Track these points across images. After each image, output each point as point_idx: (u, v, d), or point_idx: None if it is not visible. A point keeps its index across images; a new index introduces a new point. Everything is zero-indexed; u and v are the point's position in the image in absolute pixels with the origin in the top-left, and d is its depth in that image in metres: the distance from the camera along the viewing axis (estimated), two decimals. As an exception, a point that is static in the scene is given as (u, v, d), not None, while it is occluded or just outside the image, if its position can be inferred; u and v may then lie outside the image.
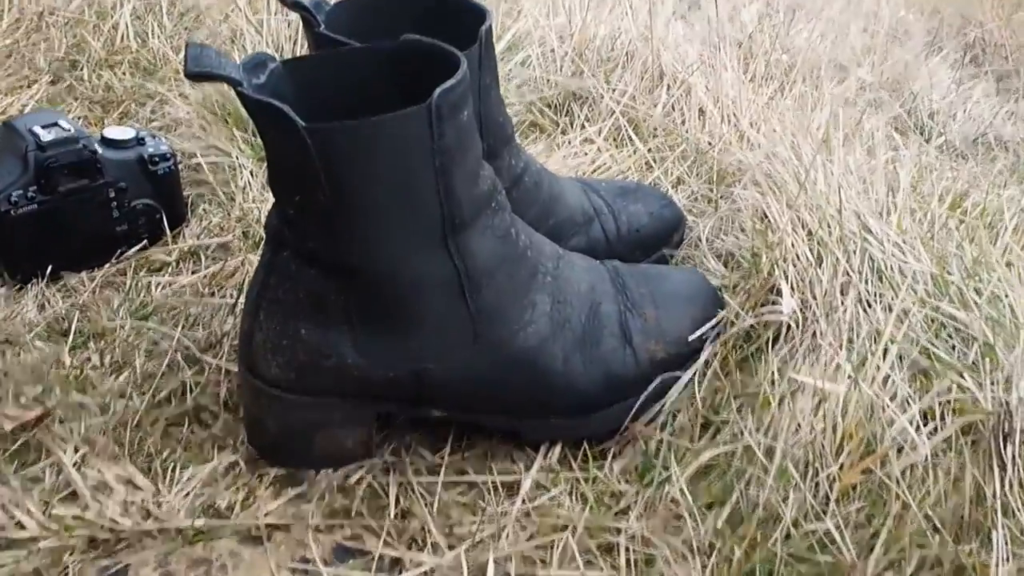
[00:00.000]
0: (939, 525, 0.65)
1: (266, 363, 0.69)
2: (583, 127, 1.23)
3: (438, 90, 0.61)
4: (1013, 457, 0.67)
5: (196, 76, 0.59)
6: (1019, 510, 0.65)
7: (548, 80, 1.33)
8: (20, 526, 0.65)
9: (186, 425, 0.76)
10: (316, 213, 0.64)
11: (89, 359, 0.83)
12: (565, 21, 1.47)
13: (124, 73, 1.36)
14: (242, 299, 0.89)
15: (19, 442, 0.73)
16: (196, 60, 0.60)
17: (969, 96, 1.96)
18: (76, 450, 0.72)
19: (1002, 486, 0.67)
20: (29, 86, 1.35)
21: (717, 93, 1.29)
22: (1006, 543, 0.63)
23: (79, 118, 1.27)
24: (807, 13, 2.36)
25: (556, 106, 1.29)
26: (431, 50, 0.66)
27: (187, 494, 0.69)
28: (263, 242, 0.72)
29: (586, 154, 1.17)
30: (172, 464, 0.72)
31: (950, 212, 1.09)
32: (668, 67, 1.32)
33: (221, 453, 0.73)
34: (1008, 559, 0.62)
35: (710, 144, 1.19)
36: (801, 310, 0.82)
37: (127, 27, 1.45)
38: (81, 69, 1.38)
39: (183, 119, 1.17)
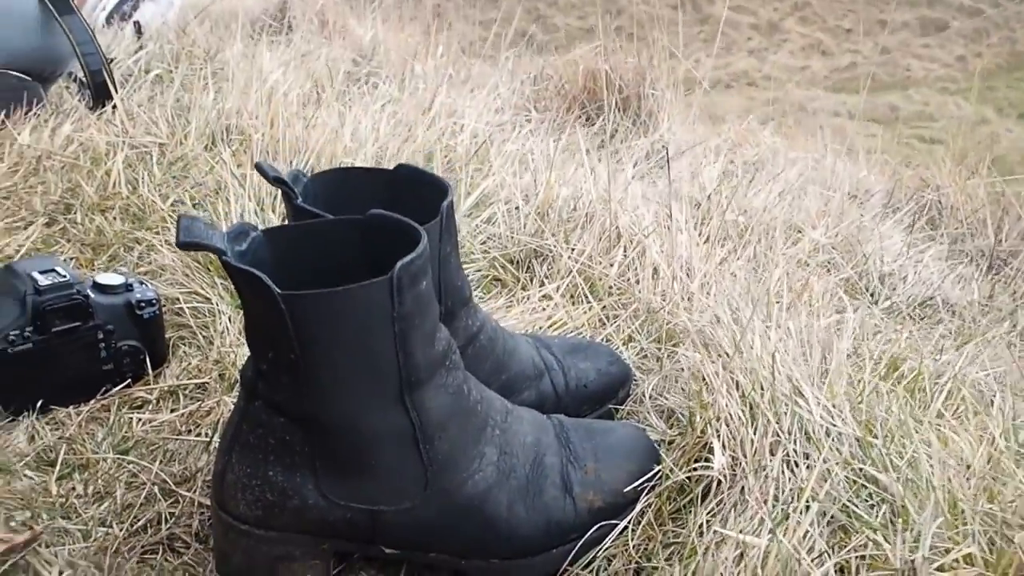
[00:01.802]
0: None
1: (235, 501, 0.76)
2: (542, 284, 1.32)
3: (399, 264, 0.69)
4: (913, 610, 0.74)
5: (186, 246, 0.68)
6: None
7: (512, 237, 1.42)
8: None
9: (160, 553, 0.82)
10: (286, 368, 0.71)
11: (74, 488, 0.89)
12: (531, 181, 1.58)
13: (115, 218, 1.45)
14: (216, 438, 0.96)
15: (8, 563, 0.79)
16: (187, 231, 0.68)
17: (920, 259, 2.06)
18: (60, 573, 0.78)
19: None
20: (25, 227, 1.43)
21: (671, 254, 1.39)
22: None
23: (71, 259, 1.35)
24: (768, 173, 2.48)
25: (518, 262, 1.38)
26: (396, 225, 0.75)
27: (157, 620, 0.75)
28: (238, 388, 0.79)
29: (544, 310, 1.26)
30: (145, 592, 0.78)
31: (885, 376, 1.17)
32: (625, 229, 1.42)
33: (191, 582, 0.79)
34: None
35: (662, 302, 1.27)
36: (731, 467, 0.89)
37: (119, 174, 1.55)
38: (75, 212, 1.47)
39: (168, 265, 1.26)
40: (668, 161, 1.51)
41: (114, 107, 1.81)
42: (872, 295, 1.75)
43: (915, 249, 2.11)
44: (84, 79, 1.84)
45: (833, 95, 8.20)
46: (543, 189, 1.51)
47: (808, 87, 8.46)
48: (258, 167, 0.83)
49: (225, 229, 0.72)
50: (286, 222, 0.89)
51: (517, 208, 1.49)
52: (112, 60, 1.95)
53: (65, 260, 1.34)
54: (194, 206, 1.41)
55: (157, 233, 1.36)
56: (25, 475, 0.91)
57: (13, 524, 0.84)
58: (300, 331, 0.69)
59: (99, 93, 1.81)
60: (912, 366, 1.24)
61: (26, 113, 1.78)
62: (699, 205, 1.81)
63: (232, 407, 0.97)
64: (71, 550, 0.82)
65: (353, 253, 0.76)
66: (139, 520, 0.86)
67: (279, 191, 0.88)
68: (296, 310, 0.68)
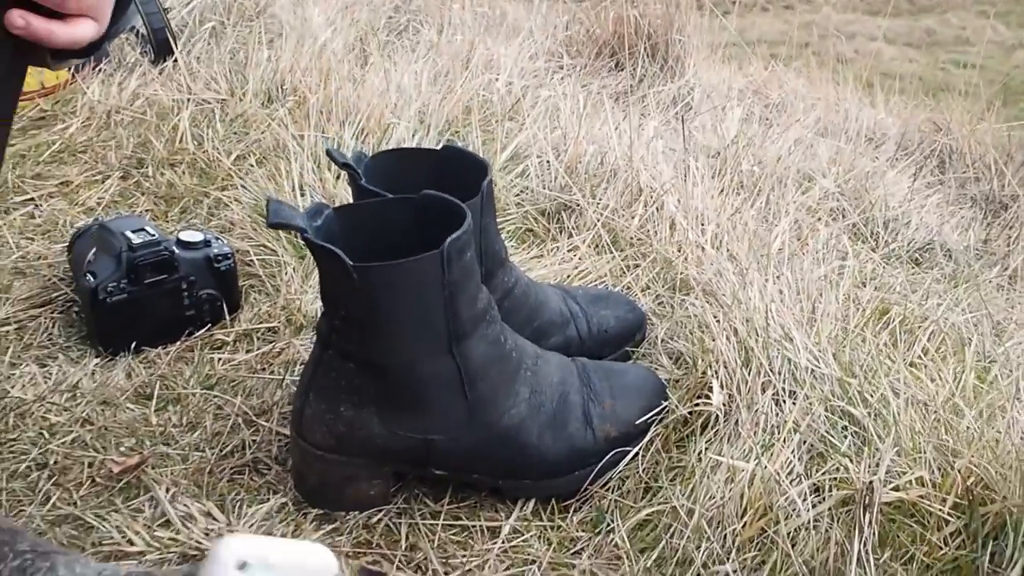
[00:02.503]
0: (809, 570, 0.87)
1: (312, 432, 0.92)
2: (570, 235, 1.46)
3: (448, 240, 0.84)
4: (870, 522, 0.90)
5: (275, 226, 0.83)
6: (867, 561, 0.87)
7: (543, 191, 1.56)
8: (131, 543, 0.88)
9: (247, 473, 0.99)
10: (355, 324, 0.87)
11: (170, 419, 1.06)
12: (560, 136, 1.72)
13: (184, 172, 1.60)
14: (288, 376, 1.12)
15: (123, 482, 0.96)
16: (276, 213, 0.84)
17: (924, 204, 2.18)
18: (167, 490, 0.95)
19: (860, 543, 0.89)
20: (103, 181, 1.59)
21: (687, 207, 1.53)
22: (855, 586, 0.85)
23: (147, 211, 1.52)
24: (788, 118, 2.59)
25: (549, 215, 1.53)
26: (444, 204, 0.90)
27: (251, 525, 0.92)
28: (311, 335, 0.95)
29: (571, 260, 1.41)
30: (238, 503, 0.95)
31: (873, 321, 1.31)
32: (645, 184, 1.56)
33: (275, 496, 0.96)
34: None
35: (677, 254, 1.42)
36: (727, 403, 1.04)
37: (186, 130, 1.70)
38: (146, 167, 1.63)
39: (238, 220, 1.41)
40: (683, 124, 1.63)
41: (174, 61, 1.96)
42: (876, 240, 1.87)
43: (920, 195, 2.23)
44: (145, 34, 1.98)
45: (870, 18, 8.15)
46: (572, 145, 1.65)
47: (845, 11, 8.39)
48: (328, 153, 0.98)
49: (303, 209, 0.87)
50: (337, 184, 1.04)
51: (548, 163, 1.63)
52: (167, 10, 2.08)
53: (141, 213, 1.51)
54: (257, 163, 1.56)
55: (224, 189, 1.52)
56: (127, 408, 1.08)
57: (122, 449, 1.01)
58: (368, 295, 0.85)
59: (161, 49, 1.95)
60: (899, 311, 1.38)
61: (94, 68, 1.92)
62: (717, 154, 1.94)
63: (299, 349, 1.14)
64: (173, 471, 0.99)
65: (408, 227, 0.91)
66: (227, 446, 1.03)
67: (327, 155, 1.03)
68: (365, 278, 0.84)
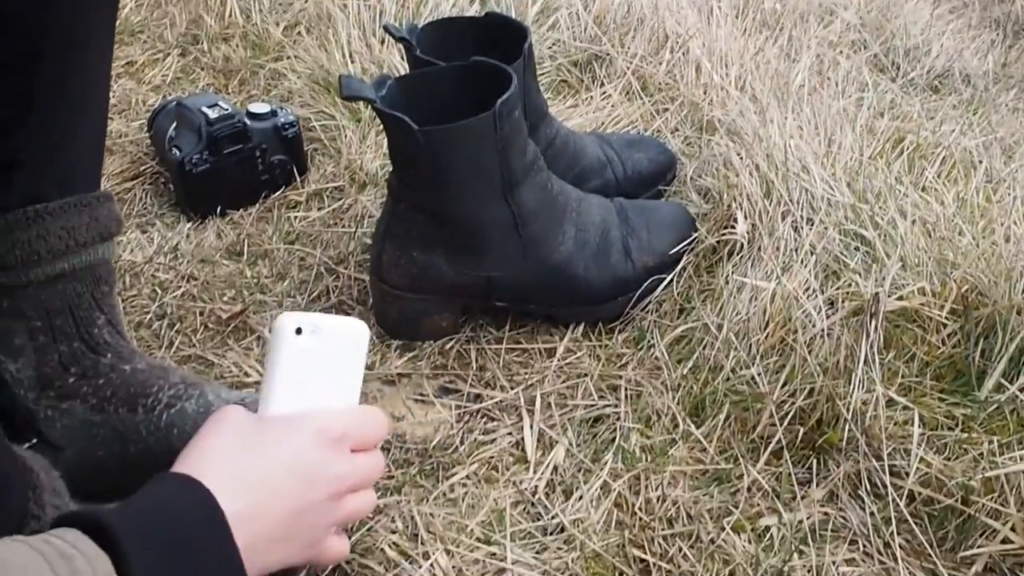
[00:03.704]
0: (822, 370, 1.01)
1: (390, 274, 1.07)
2: (602, 84, 1.57)
3: (499, 101, 0.97)
4: (876, 328, 1.03)
5: (348, 98, 0.96)
6: (873, 360, 1.01)
7: (574, 43, 1.66)
8: (246, 375, 1.04)
9: (334, 314, 1.14)
10: (422, 180, 1.01)
11: (261, 271, 1.21)
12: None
13: (237, 46, 1.72)
14: (358, 229, 1.26)
15: (231, 326, 1.12)
16: (347, 87, 0.96)
17: (945, 31, 2.23)
18: (270, 331, 1.10)
19: (867, 346, 1.03)
20: (164, 59, 1.71)
21: (712, 49, 1.63)
22: (862, 379, 0.99)
23: (208, 85, 1.64)
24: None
25: (581, 65, 1.64)
26: (493, 69, 1.02)
27: (344, 358, 1.07)
28: (382, 192, 1.08)
29: (604, 108, 1.52)
30: (330, 340, 1.10)
31: (889, 150, 1.43)
32: (671, 31, 1.66)
33: (360, 333, 1.11)
34: (861, 387, 0.99)
35: (703, 96, 1.53)
36: (750, 231, 1.17)
37: (234, 3, 1.80)
38: (202, 43, 1.74)
39: (296, 90, 1.54)
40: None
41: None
42: (896, 70, 1.94)
43: (943, 20, 2.28)
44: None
45: None
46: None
47: None
48: (386, 29, 1.10)
49: (370, 81, 1.00)
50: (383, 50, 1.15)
51: (577, 15, 1.72)
52: None
53: (203, 87, 1.63)
54: (306, 31, 1.67)
55: (278, 60, 1.64)
56: (223, 264, 1.23)
57: (225, 299, 1.17)
58: (432, 154, 0.98)
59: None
60: (913, 139, 1.49)
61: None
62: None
63: (365, 204, 1.27)
64: (270, 315, 1.14)
65: (461, 90, 1.03)
66: (313, 292, 1.18)
67: (385, 31, 1.15)
68: (428, 140, 0.96)
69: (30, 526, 0.67)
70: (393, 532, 0.89)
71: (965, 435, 0.95)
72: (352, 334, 0.77)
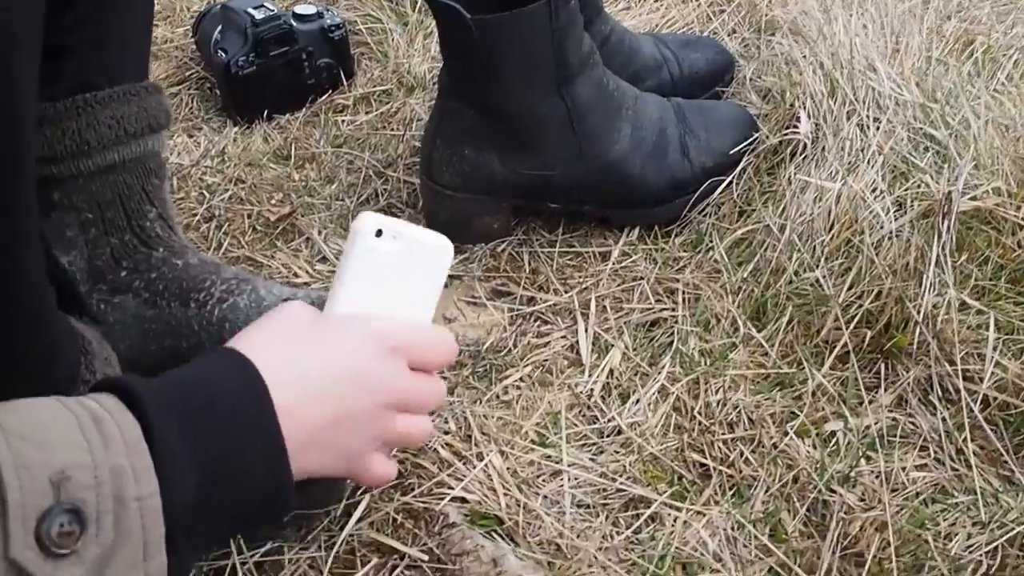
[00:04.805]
0: (891, 272, 0.97)
1: (440, 173, 1.04)
2: (657, -16, 1.52)
3: (554, -11, 0.92)
4: (948, 227, 0.99)
5: (399, -14, 0.92)
6: (944, 262, 0.97)
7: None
8: (295, 275, 1.02)
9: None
10: (474, 73, 0.97)
11: (308, 175, 1.19)
12: None
13: (281, -52, 1.68)
14: (407, 132, 1.23)
15: (279, 228, 1.10)
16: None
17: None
18: (319, 232, 1.08)
19: (939, 247, 0.98)
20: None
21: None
22: (933, 282, 0.95)
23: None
24: None
25: (634, -34, 1.58)
26: (547, -42, 0.98)
27: (394, 259, 1.05)
28: (430, 91, 1.05)
29: (658, 10, 1.47)
30: (380, 242, 1.08)
31: (958, 52, 1.36)
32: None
33: (411, 235, 1.09)
34: (932, 290, 0.95)
35: (762, -4, 1.47)
36: (814, 131, 1.13)
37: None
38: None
39: (340, -9, 1.50)
40: None
41: None
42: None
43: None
44: None
45: None
46: None
47: None
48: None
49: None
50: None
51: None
52: None
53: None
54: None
55: (324, -37, 1.59)
56: (270, 167, 1.21)
57: (273, 202, 1.14)
58: (485, 45, 0.94)
59: None
60: (984, 40, 1.43)
61: None
62: None
63: (414, 107, 1.24)
64: (319, 217, 1.12)
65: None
66: (362, 195, 1.15)
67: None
68: (482, 29, 0.93)
69: (80, 391, 0.66)
70: (446, 433, 0.87)
71: (1042, 339, 0.91)
72: (436, 248, 0.72)
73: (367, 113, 1.29)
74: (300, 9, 1.31)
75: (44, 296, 0.64)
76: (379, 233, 0.69)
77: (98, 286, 0.84)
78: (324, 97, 1.32)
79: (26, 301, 0.61)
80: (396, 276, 0.70)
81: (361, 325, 0.68)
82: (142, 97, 0.83)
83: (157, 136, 0.85)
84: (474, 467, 0.84)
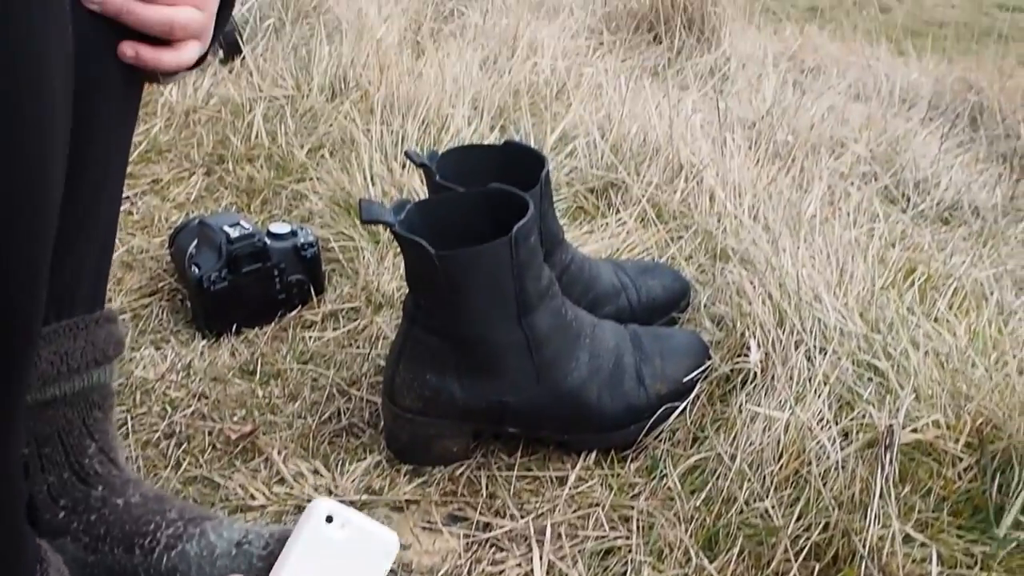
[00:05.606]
0: (837, 504, 1.00)
1: (402, 396, 1.07)
2: (617, 211, 1.59)
3: (516, 227, 0.98)
4: (891, 460, 1.02)
5: (368, 222, 0.98)
6: (888, 494, 1.00)
7: (590, 171, 1.69)
8: (252, 498, 1.04)
9: (344, 436, 1.14)
10: (437, 303, 1.02)
11: (273, 391, 1.21)
12: (605, 117, 1.84)
13: (261, 167, 1.75)
14: (372, 350, 1.27)
15: (240, 447, 1.11)
16: (367, 211, 0.98)
17: (953, 164, 2.26)
18: (279, 452, 1.10)
19: (882, 479, 1.01)
20: (189, 178, 1.74)
21: (725, 179, 1.65)
22: (878, 514, 0.98)
23: (231, 204, 1.66)
24: (822, 83, 2.68)
25: (597, 192, 1.66)
26: (511, 196, 1.04)
27: (353, 480, 1.07)
28: (398, 315, 1.09)
29: (619, 234, 1.54)
30: (340, 461, 1.10)
31: (900, 280, 1.43)
32: (685, 160, 1.68)
33: (370, 455, 1.11)
34: (877, 522, 0.97)
35: (717, 224, 1.54)
36: (764, 360, 1.17)
37: (260, 126, 1.85)
38: (227, 163, 1.77)
39: (316, 211, 1.56)
40: (719, 100, 1.75)
41: (242, 60, 2.10)
42: (906, 201, 1.96)
43: (951, 154, 2.31)
44: (214, 37, 2.12)
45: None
46: (615, 125, 1.77)
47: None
48: (407, 155, 1.12)
49: (389, 205, 1.01)
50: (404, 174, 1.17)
51: (594, 143, 1.76)
52: (233, 11, 2.23)
53: (226, 206, 1.66)
54: (329, 154, 1.70)
55: (300, 181, 1.66)
56: (235, 382, 1.23)
57: (236, 419, 1.16)
58: (448, 278, 0.99)
59: (231, 49, 2.10)
60: (924, 269, 1.50)
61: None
62: (753, 125, 2.05)
63: (380, 325, 1.28)
64: (281, 436, 1.14)
65: (479, 216, 1.05)
66: (325, 413, 1.18)
67: (406, 156, 1.17)
68: (445, 264, 0.98)
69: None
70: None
71: (984, 574, 0.93)
72: (381, 541, 0.79)
73: (335, 330, 1.33)
74: (275, 227, 1.36)
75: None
76: (329, 519, 0.76)
77: (36, 528, 0.82)
78: (294, 312, 1.36)
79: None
80: (339, 563, 0.76)
81: None
82: (91, 330, 0.83)
83: (103, 368, 0.85)
84: None
